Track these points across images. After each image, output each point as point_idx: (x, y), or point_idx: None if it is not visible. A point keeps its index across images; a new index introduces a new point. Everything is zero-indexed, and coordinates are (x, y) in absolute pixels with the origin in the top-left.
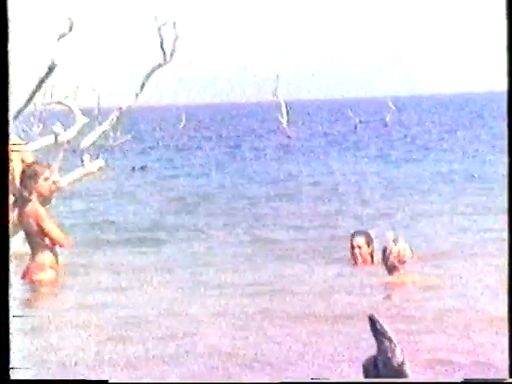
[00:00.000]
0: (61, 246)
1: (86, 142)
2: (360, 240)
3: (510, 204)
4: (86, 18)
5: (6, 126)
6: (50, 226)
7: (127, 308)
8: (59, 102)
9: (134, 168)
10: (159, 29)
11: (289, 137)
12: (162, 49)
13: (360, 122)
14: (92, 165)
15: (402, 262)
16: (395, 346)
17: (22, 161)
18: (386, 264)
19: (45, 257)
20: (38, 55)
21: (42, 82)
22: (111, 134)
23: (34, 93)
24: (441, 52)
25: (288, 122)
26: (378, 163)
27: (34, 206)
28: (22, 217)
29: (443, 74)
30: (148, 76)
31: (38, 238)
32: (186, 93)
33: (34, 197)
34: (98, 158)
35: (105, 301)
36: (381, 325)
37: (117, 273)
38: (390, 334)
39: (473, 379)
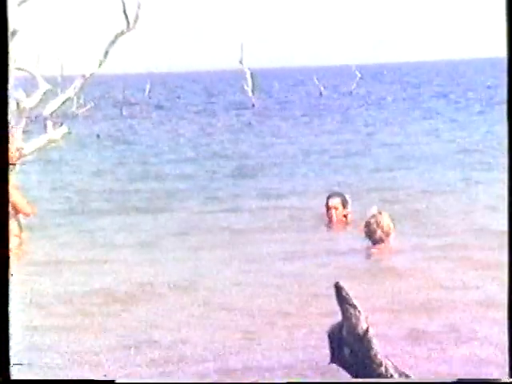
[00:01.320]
0: (24, 215)
1: (48, 108)
2: (336, 201)
3: (510, 203)
4: None
5: (6, 124)
6: (12, 194)
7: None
8: (21, 69)
9: (98, 135)
10: None
11: (253, 105)
12: (125, 16)
13: (325, 88)
14: (55, 132)
15: (387, 235)
16: (360, 313)
17: None
18: (371, 236)
19: (14, 228)
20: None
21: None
22: (75, 101)
23: None
24: (409, 18)
25: (253, 90)
26: (338, 133)
27: None
28: None
29: (411, 42)
30: (111, 43)
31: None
32: (151, 61)
33: None
34: (61, 125)
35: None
36: (346, 292)
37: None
38: (355, 301)
39: (471, 379)
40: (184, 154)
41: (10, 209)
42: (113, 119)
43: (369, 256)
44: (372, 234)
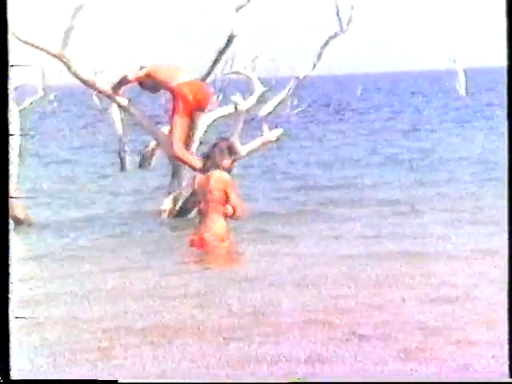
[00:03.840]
0: (236, 218)
1: (264, 111)
2: None
3: (509, 202)
4: None
5: (6, 122)
6: (235, 195)
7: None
8: (238, 72)
9: (325, 135)
10: None
11: (466, 106)
12: (339, 18)
13: None
14: (271, 133)
15: None
16: None
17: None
18: None
19: (222, 226)
20: (218, 26)
21: (221, 52)
22: (288, 103)
23: (214, 63)
24: None
25: (466, 90)
26: None
27: (222, 173)
28: (205, 182)
29: None
30: (325, 45)
31: (218, 206)
32: (362, 61)
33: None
34: (276, 126)
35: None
36: None
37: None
38: None
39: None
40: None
41: (229, 209)
42: (326, 121)
43: None
44: None
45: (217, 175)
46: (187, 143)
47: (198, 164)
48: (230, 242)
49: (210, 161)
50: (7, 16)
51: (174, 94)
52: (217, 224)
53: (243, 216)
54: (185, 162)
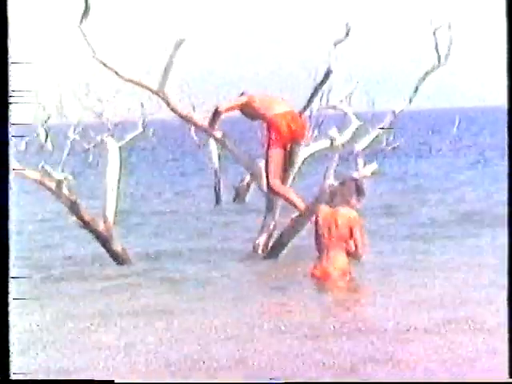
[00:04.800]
0: (356, 256)
1: (359, 145)
2: None
3: (509, 206)
4: (364, 21)
5: (6, 123)
6: (359, 234)
7: None
8: (334, 107)
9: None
10: (434, 32)
11: None
12: (437, 52)
13: None
14: (366, 169)
15: None
16: None
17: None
18: None
19: (344, 261)
20: (316, 61)
21: (318, 87)
22: (385, 137)
23: (311, 98)
24: None
25: None
26: None
27: (351, 210)
28: (331, 216)
29: None
30: (422, 79)
31: (341, 241)
32: (458, 96)
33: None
34: (371, 161)
35: None
36: None
37: None
38: None
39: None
40: None
41: (352, 247)
42: (420, 156)
43: None
44: None
45: (344, 212)
46: (282, 177)
47: (296, 199)
48: (351, 277)
49: (338, 197)
50: (8, 25)
51: (269, 124)
52: (339, 259)
53: (364, 255)
54: (283, 197)
